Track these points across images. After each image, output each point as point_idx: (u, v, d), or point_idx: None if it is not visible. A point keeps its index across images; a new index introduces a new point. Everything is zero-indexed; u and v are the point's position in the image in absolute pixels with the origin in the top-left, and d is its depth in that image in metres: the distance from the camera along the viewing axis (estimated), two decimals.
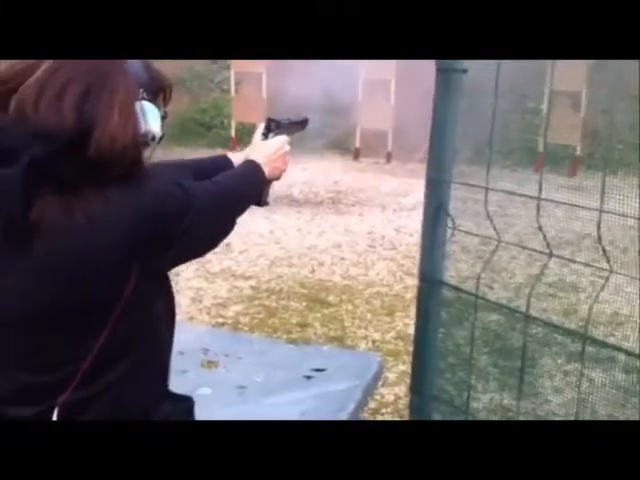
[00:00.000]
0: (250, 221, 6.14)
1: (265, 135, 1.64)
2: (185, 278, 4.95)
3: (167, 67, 1.31)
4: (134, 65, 1.18)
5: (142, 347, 1.20)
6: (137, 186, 1.13)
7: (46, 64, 1.09)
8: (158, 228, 1.14)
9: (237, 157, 1.60)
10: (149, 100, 1.20)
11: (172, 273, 1.27)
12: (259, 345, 3.92)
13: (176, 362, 1.35)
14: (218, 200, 1.30)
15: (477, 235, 1.39)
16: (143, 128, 1.16)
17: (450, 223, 1.33)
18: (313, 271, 5.36)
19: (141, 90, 1.18)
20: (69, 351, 1.14)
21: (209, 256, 5.60)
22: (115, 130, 1.08)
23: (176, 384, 1.34)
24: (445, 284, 1.37)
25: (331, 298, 4.78)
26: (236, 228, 1.35)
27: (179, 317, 1.30)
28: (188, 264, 4.77)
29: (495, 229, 1.24)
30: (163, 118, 1.23)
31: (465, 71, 1.28)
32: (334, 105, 9.66)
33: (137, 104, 1.15)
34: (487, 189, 1.21)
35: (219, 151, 1.65)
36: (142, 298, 1.16)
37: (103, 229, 1.09)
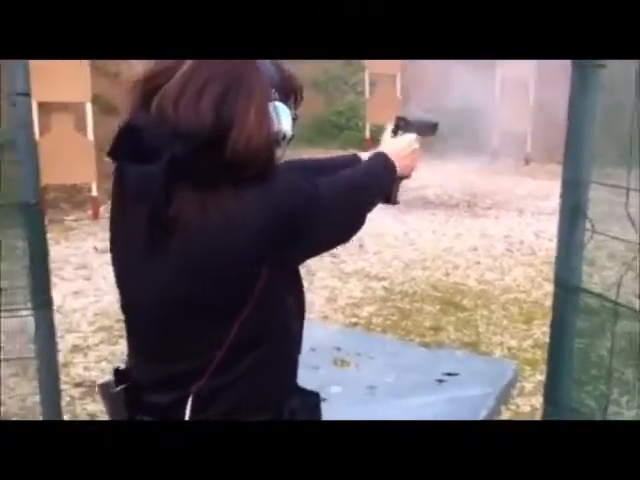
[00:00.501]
0: (384, 223, 6.15)
1: (394, 133, 1.64)
2: (320, 277, 5.04)
3: (303, 69, 1.34)
4: (267, 66, 1.21)
5: (273, 339, 1.23)
6: (269, 184, 1.15)
7: (186, 65, 1.14)
8: (289, 225, 1.16)
9: (367, 156, 1.59)
10: (281, 101, 1.21)
11: (308, 272, 1.30)
12: (391, 346, 3.92)
13: (308, 358, 1.38)
14: (346, 193, 1.31)
15: (619, 239, 1.31)
16: (276, 127, 1.19)
17: (589, 226, 1.27)
18: (447, 274, 5.29)
19: (274, 91, 1.20)
20: (203, 341, 1.18)
21: (343, 256, 5.67)
22: (251, 130, 1.12)
23: (307, 380, 1.37)
24: (583, 290, 1.31)
25: (465, 302, 4.69)
26: (369, 229, 1.37)
27: (314, 315, 1.34)
28: (323, 264, 4.81)
29: (637, 232, 1.17)
30: (294, 119, 1.25)
31: (603, 66, 1.22)
32: (470, 105, 9.46)
33: (270, 104, 1.18)
34: (628, 190, 1.15)
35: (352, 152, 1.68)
36: (273, 292, 1.19)
37: (237, 226, 1.13)
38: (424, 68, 7.95)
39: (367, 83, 9.94)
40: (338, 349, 3.79)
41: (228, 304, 1.17)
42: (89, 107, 6.17)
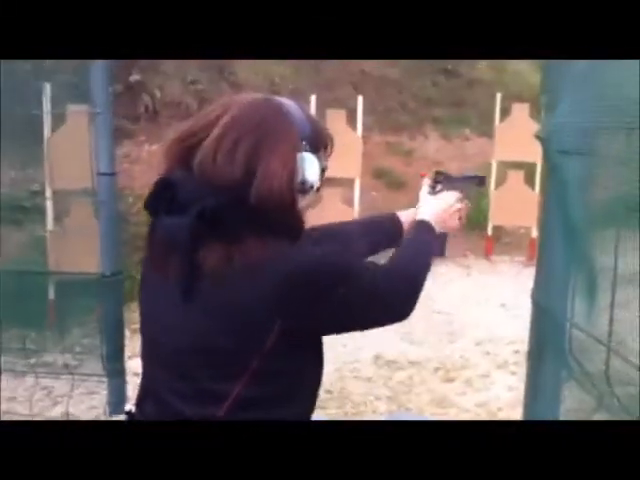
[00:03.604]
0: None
1: (433, 188, 1.62)
2: None
3: None
4: (299, 119, 1.28)
5: (283, 387, 1.27)
6: (296, 246, 1.24)
7: (221, 122, 1.23)
8: (305, 289, 1.20)
9: (406, 215, 1.65)
10: (311, 152, 1.28)
11: None
12: None
13: None
14: (401, 283, 1.37)
15: None
16: (300, 177, 1.26)
17: None
18: None
19: (304, 143, 1.27)
20: (217, 381, 1.22)
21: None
22: (274, 178, 1.21)
23: None
24: None
25: None
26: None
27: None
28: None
29: None
30: (323, 170, 1.32)
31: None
32: None
33: (298, 155, 1.26)
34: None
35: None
36: (284, 349, 1.22)
37: (255, 279, 1.18)
38: None
39: None
40: None
41: (240, 352, 1.21)
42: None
